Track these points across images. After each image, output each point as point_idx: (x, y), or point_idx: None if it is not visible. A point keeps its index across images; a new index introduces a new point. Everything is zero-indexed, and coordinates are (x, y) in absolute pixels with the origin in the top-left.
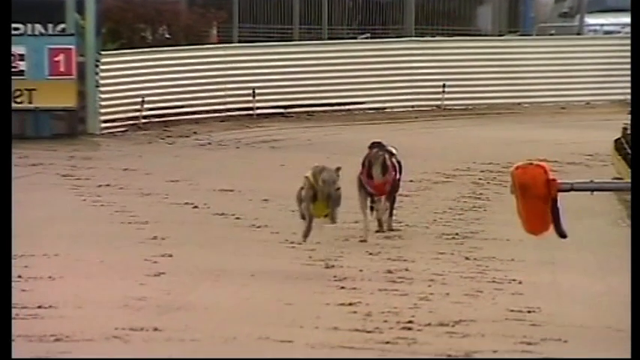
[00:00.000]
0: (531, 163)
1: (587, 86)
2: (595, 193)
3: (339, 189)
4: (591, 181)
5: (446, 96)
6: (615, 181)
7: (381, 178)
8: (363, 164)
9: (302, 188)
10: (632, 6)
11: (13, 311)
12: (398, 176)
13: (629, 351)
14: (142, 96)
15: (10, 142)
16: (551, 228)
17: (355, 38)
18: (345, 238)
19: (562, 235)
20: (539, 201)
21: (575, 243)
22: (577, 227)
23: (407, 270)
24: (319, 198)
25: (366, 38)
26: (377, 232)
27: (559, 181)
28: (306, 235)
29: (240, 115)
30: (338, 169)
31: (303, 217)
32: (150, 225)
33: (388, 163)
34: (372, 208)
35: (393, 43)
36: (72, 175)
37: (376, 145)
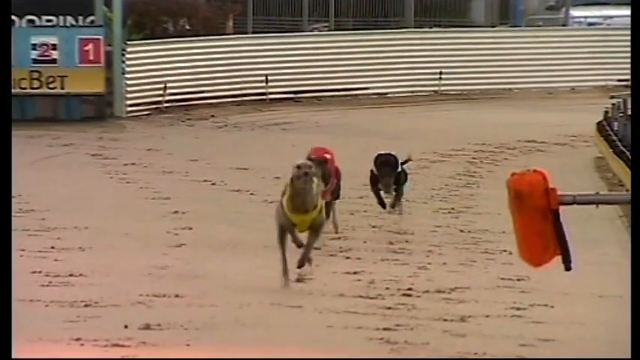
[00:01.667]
0: (528, 170)
1: (572, 73)
2: (575, 170)
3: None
4: (597, 193)
5: (442, 82)
6: (621, 193)
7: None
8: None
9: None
10: (632, 6)
11: (46, 279)
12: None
13: (611, 314)
14: (165, 82)
15: (10, 137)
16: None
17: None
18: (351, 212)
19: (567, 267)
20: (537, 214)
21: (561, 216)
22: None
23: (407, 242)
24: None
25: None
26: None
27: (560, 192)
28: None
29: (254, 100)
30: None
31: (299, 245)
32: (171, 200)
33: (329, 168)
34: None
35: (394, 34)
36: (100, 155)
37: (384, 156)
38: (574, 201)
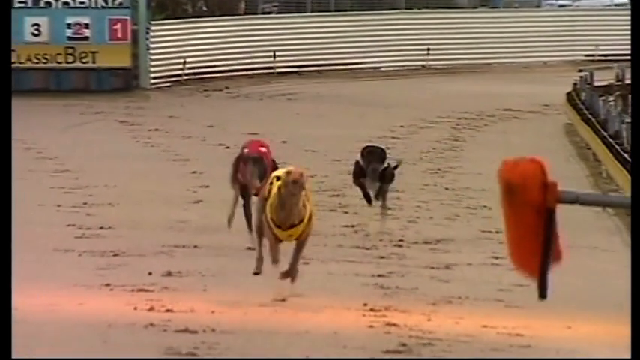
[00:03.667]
0: (523, 158)
1: (545, 49)
2: (547, 134)
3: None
4: (605, 194)
5: (430, 57)
6: (629, 197)
7: (258, 184)
8: (238, 162)
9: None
10: (632, 8)
11: (80, 231)
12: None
13: (580, 262)
14: (184, 57)
15: (10, 124)
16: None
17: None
18: (348, 173)
19: (542, 293)
20: (531, 212)
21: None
22: None
23: (398, 199)
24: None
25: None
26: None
27: (561, 189)
28: (275, 259)
29: (263, 73)
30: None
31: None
32: (190, 162)
33: (266, 163)
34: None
35: (386, 14)
36: (127, 122)
37: (369, 149)
38: (576, 200)
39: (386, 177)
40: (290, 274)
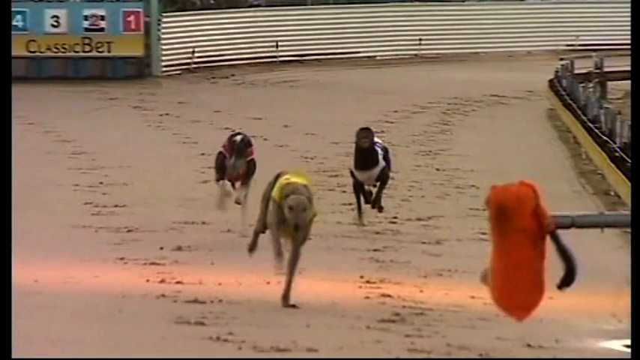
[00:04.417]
0: (512, 183)
1: (529, 39)
2: (531, 118)
3: (310, 217)
4: (601, 214)
5: (421, 47)
6: (625, 213)
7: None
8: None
9: (265, 206)
10: (632, 10)
11: (96, 209)
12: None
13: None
14: (193, 47)
15: (10, 114)
16: (541, 298)
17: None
18: (346, 154)
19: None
20: (525, 239)
21: (519, 157)
22: (521, 144)
23: (392, 178)
24: (286, 226)
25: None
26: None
27: (557, 213)
28: (279, 253)
29: (266, 62)
30: (306, 186)
31: (251, 249)
32: (199, 145)
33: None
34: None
35: (381, 6)
36: (140, 107)
37: (364, 131)
38: (572, 224)
39: (382, 177)
40: (285, 295)
